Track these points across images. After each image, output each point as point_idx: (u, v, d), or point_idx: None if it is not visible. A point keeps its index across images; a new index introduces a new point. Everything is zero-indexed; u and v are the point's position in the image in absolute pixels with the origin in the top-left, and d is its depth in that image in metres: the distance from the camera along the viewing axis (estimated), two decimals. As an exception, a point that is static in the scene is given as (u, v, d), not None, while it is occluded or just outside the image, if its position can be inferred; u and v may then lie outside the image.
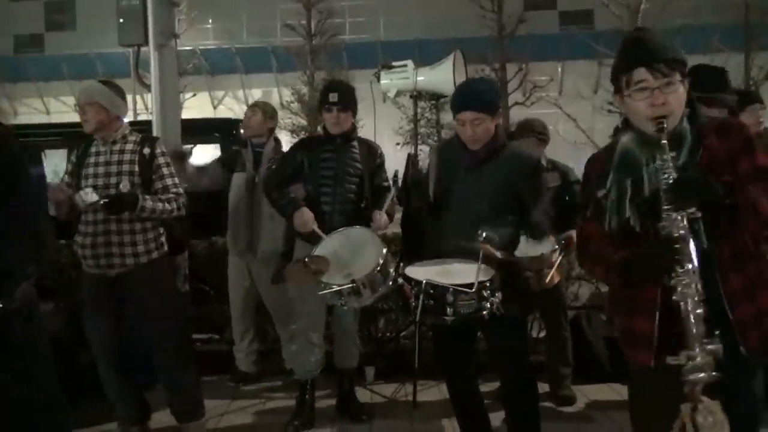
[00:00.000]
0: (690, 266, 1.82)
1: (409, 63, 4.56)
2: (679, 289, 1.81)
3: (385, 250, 3.05)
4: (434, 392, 4.27)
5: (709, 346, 1.77)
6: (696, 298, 1.80)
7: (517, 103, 16.89)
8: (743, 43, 13.92)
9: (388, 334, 4.85)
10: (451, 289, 2.65)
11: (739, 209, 1.87)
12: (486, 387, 3.80)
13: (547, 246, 3.53)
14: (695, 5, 18.04)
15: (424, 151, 4.35)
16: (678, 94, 1.98)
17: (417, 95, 4.61)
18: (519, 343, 3.03)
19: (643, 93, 1.97)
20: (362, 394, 4.25)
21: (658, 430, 1.92)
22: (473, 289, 2.62)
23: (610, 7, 9.40)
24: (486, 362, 3.28)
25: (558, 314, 4.19)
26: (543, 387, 4.23)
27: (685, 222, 1.84)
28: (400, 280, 2.82)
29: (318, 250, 3.25)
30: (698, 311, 1.80)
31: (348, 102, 3.83)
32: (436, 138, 16.53)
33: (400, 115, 16.01)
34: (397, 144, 17.18)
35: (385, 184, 3.95)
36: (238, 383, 4.60)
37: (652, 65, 1.96)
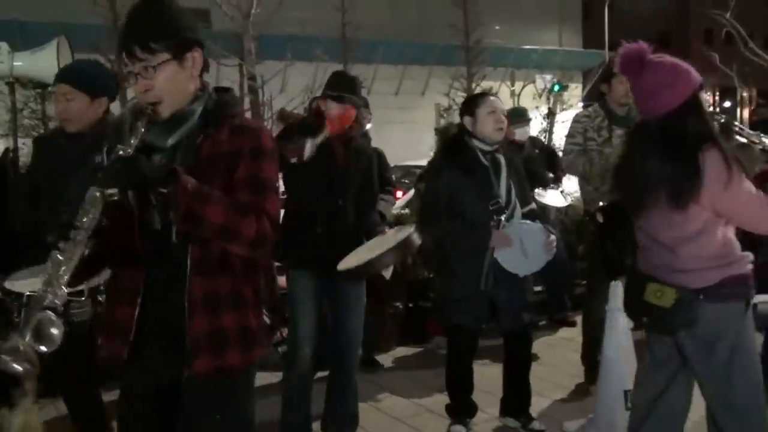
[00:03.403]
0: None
1: (3, 45, 4.09)
2: None
3: None
4: (51, 410, 3.90)
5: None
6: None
7: (136, 97, 16.22)
8: (341, 55, 15.68)
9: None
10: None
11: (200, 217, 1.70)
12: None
13: None
14: (301, 17, 19.63)
15: (27, 145, 3.94)
16: (165, 75, 1.78)
17: (14, 82, 4.19)
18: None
19: (133, 79, 1.78)
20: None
21: None
22: (84, 297, 2.47)
23: (224, 8, 9.62)
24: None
25: None
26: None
27: (101, 201, 1.65)
28: None
29: None
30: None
31: None
32: (42, 131, 14.85)
33: (-2, 103, 13.95)
34: (-6, 135, 14.96)
35: None
36: None
37: (128, 49, 1.77)
